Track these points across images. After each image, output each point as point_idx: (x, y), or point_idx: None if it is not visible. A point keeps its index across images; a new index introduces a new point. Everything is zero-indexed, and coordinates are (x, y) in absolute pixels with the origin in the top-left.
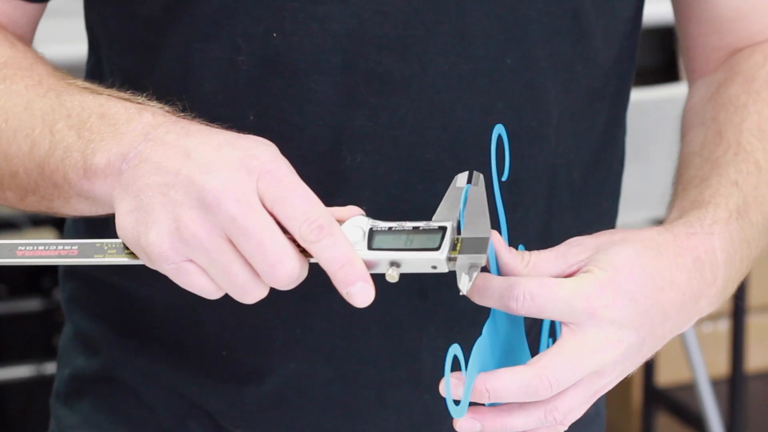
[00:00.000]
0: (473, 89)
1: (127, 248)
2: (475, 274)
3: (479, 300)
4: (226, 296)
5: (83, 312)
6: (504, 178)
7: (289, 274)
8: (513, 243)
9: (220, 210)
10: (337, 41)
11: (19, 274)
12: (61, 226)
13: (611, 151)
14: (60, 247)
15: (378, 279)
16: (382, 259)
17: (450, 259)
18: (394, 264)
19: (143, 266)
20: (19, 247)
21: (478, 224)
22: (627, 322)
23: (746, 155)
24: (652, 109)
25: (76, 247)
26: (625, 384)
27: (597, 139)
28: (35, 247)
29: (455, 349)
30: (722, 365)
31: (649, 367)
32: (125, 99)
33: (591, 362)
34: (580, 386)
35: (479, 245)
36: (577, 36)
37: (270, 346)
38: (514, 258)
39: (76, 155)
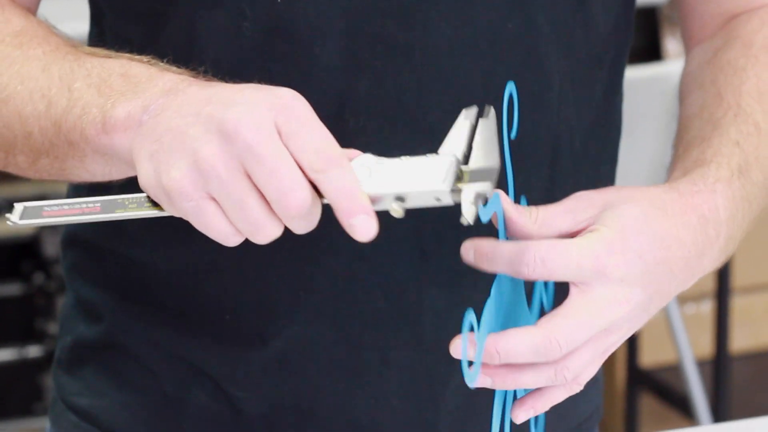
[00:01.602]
0: (475, 54)
1: (148, 201)
2: (480, 203)
3: (489, 267)
4: (230, 260)
5: (84, 280)
6: (513, 136)
7: (301, 203)
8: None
9: (237, 138)
10: (341, 7)
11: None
12: None
13: (610, 118)
14: (84, 206)
15: (385, 241)
16: (386, 193)
17: (454, 191)
18: (399, 199)
19: (145, 231)
20: (45, 208)
21: (486, 155)
22: (635, 280)
23: (746, 117)
24: (635, 87)
25: (98, 205)
26: (608, 365)
27: (596, 106)
28: (60, 207)
29: (471, 315)
30: (706, 346)
31: (632, 349)
32: (146, 62)
33: (600, 321)
34: (590, 344)
35: (486, 175)
36: (578, 3)
37: (274, 309)
38: (522, 215)
39: (94, 110)
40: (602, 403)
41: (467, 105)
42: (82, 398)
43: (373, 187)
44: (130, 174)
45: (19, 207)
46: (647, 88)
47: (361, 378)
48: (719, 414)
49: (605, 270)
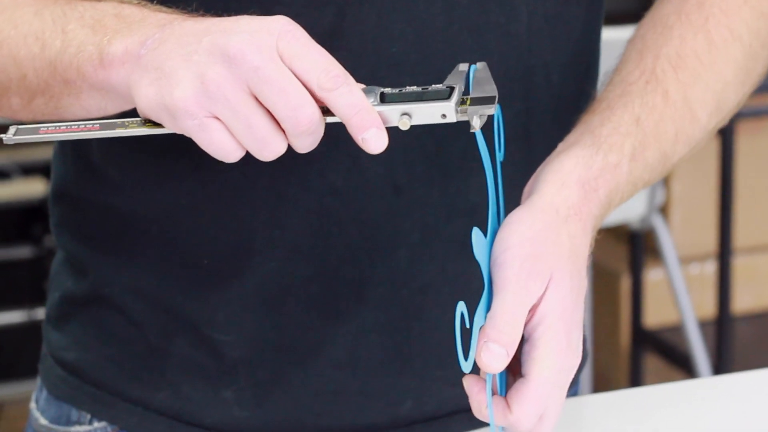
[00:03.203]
0: None
1: (147, 122)
2: (482, 122)
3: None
4: (206, 200)
5: (71, 234)
6: (500, 158)
7: (310, 118)
8: (492, 140)
9: (244, 61)
10: None
11: (9, 221)
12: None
13: (588, 56)
14: (81, 125)
15: (356, 175)
16: (394, 110)
17: (459, 111)
18: (406, 115)
19: (124, 176)
20: (42, 128)
21: (485, 88)
22: (575, 349)
23: (656, 85)
24: (618, 49)
25: (97, 124)
26: (613, 326)
27: (574, 43)
28: (57, 127)
29: (462, 307)
30: (709, 307)
31: (636, 309)
32: (137, 4)
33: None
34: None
35: (488, 100)
36: None
37: (250, 248)
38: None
39: (90, 48)
40: (586, 350)
41: (429, 36)
42: (70, 352)
43: (382, 106)
44: (126, 108)
45: (12, 128)
46: None
47: (338, 314)
48: (721, 373)
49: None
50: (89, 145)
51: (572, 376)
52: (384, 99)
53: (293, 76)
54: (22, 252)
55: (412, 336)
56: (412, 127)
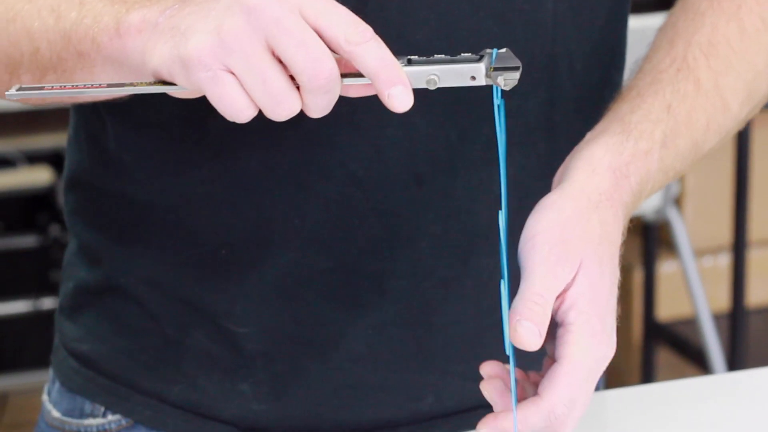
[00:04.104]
0: None
1: (158, 81)
2: (511, 83)
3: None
4: (224, 189)
5: (85, 223)
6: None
7: (329, 72)
8: (515, 130)
9: (264, 12)
10: None
11: (14, 210)
12: (55, 162)
13: (614, 45)
14: (89, 84)
15: (378, 165)
16: (422, 71)
17: (487, 75)
18: (434, 76)
19: (140, 163)
20: (47, 85)
21: (509, 60)
22: (610, 334)
23: (688, 73)
24: (647, 38)
25: (105, 83)
26: (625, 319)
27: (599, 32)
28: (62, 85)
29: (503, 287)
30: (722, 300)
31: (649, 302)
32: None
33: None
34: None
35: (512, 68)
36: None
37: (269, 238)
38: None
39: (107, 18)
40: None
41: (454, 23)
42: (83, 344)
43: (410, 67)
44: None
45: (15, 86)
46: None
47: (358, 306)
48: (735, 367)
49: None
50: (104, 131)
51: (605, 365)
52: (411, 63)
53: (313, 31)
54: (27, 241)
55: (433, 330)
56: (434, 116)
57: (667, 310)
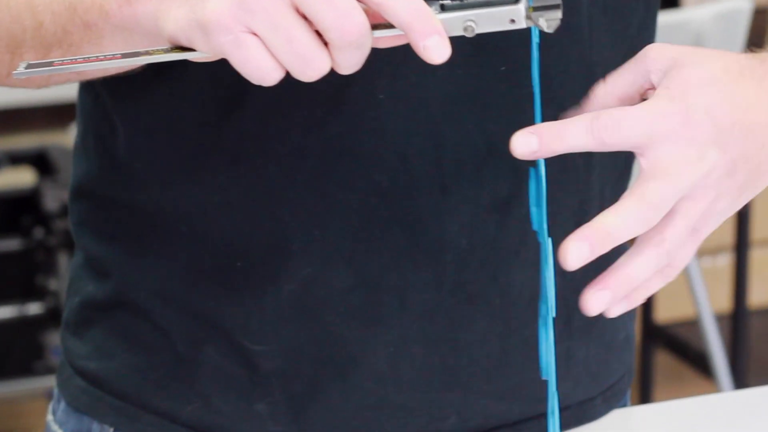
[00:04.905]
0: None
1: (175, 48)
2: (554, 24)
3: (562, 146)
4: (239, 197)
5: (92, 235)
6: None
7: (360, 26)
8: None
9: None
10: None
11: None
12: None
13: None
14: (100, 56)
15: (403, 175)
16: (457, 17)
17: (527, 17)
18: (471, 22)
19: (152, 170)
20: (56, 60)
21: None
22: (706, 138)
23: None
24: (657, 34)
25: (119, 54)
26: None
27: (631, 40)
28: (73, 59)
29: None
30: (723, 301)
31: (647, 303)
32: None
33: (679, 182)
34: (677, 215)
35: (553, 7)
36: None
37: (286, 250)
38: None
39: None
40: (634, 363)
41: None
42: (91, 361)
43: (444, 14)
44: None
45: (22, 63)
46: (665, 35)
47: (379, 322)
48: (737, 370)
49: (672, 131)
50: (114, 137)
51: (711, 196)
52: (444, 8)
53: None
54: (10, 245)
55: (458, 348)
56: (462, 124)
57: (665, 311)
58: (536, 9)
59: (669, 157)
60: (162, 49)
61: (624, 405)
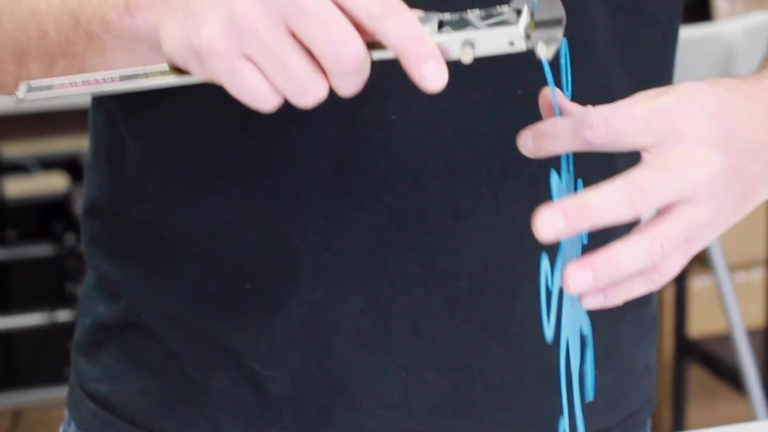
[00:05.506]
0: None
1: (173, 70)
2: (553, 47)
3: (550, 145)
4: (250, 218)
5: (103, 254)
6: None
7: (355, 54)
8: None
9: None
10: None
11: (28, 219)
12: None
13: (657, 84)
14: (100, 78)
15: (416, 198)
16: (454, 39)
17: (527, 36)
18: (468, 44)
19: (162, 189)
20: (56, 83)
21: (551, 7)
22: (713, 140)
23: None
24: (684, 48)
25: (117, 76)
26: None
27: (647, 67)
28: (72, 81)
29: (545, 262)
30: (755, 316)
31: (680, 318)
32: None
33: (680, 178)
34: (675, 217)
35: (555, 23)
36: None
37: (296, 272)
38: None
39: None
40: (654, 393)
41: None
42: (101, 384)
43: (440, 35)
44: (156, 61)
45: (23, 84)
46: (696, 49)
47: (392, 349)
48: None
49: (679, 127)
50: (125, 154)
51: (710, 206)
52: (442, 28)
53: (335, 7)
54: (42, 250)
55: (472, 375)
56: (477, 147)
57: (698, 326)
58: (538, 25)
59: (673, 153)
60: (160, 71)
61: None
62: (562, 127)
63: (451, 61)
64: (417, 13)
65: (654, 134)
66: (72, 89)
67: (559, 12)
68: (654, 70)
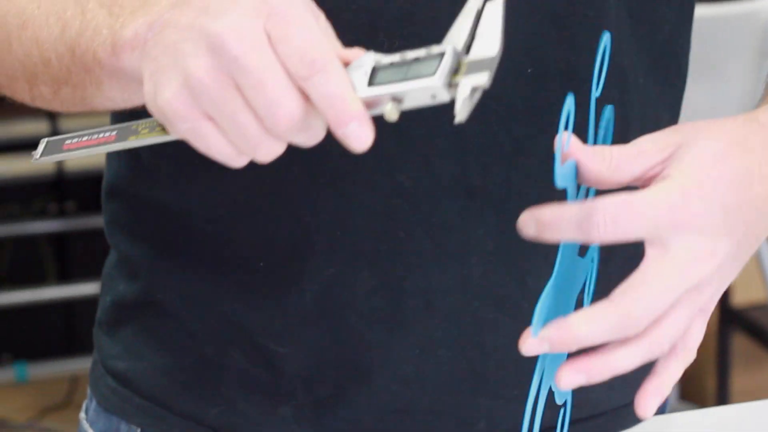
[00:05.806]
0: None
1: (159, 126)
2: (476, 98)
3: (554, 235)
4: (263, 198)
5: (123, 234)
6: (596, 95)
7: (289, 116)
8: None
9: (224, 51)
10: None
11: (87, 190)
12: None
13: (673, 63)
14: (101, 135)
15: (427, 176)
16: (382, 94)
17: (451, 85)
18: (396, 100)
19: (178, 170)
20: (67, 141)
21: (487, 42)
22: (718, 229)
23: None
24: (724, 25)
25: (114, 133)
26: None
27: (660, 45)
28: (80, 138)
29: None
30: None
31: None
32: None
33: (683, 282)
34: (680, 308)
35: (485, 65)
36: None
37: (309, 251)
38: (596, 159)
39: (105, 32)
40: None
41: (509, 25)
42: (120, 361)
43: (368, 89)
44: None
45: (42, 143)
46: (736, 26)
47: (405, 326)
48: None
49: (682, 222)
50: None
51: (716, 283)
52: (373, 79)
53: (277, 65)
54: (100, 221)
55: (485, 351)
56: (488, 125)
57: (742, 294)
58: (469, 68)
59: (676, 251)
60: (148, 126)
61: (662, 412)
62: (567, 218)
63: (377, 115)
64: (356, 53)
65: (658, 229)
66: (79, 150)
67: (493, 50)
68: (668, 48)
